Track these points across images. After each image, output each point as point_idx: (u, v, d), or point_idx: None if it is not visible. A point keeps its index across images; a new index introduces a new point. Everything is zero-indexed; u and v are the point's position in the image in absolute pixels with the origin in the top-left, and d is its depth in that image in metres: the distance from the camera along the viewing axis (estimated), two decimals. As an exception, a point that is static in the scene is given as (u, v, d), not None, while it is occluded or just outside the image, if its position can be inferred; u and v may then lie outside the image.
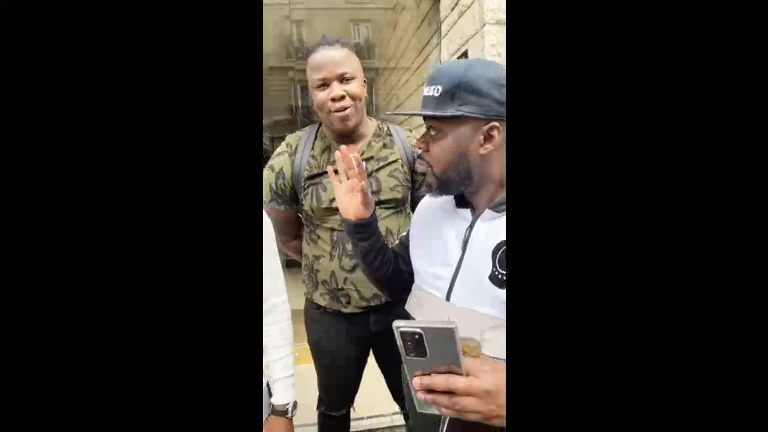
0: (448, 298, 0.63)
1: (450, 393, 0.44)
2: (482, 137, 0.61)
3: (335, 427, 1.26)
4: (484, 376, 0.44)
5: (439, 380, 0.44)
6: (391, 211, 1.08)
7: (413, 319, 0.68)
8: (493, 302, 0.57)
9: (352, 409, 1.28)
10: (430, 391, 0.45)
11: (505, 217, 0.62)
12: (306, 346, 1.21)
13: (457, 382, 0.44)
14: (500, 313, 0.56)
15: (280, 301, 0.91)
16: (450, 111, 0.59)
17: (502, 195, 0.64)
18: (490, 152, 0.61)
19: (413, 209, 1.20)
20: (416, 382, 0.45)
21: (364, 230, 0.75)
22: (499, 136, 0.61)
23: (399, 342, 0.45)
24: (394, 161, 1.08)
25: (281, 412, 0.88)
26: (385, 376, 1.23)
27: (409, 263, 0.79)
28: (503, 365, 0.47)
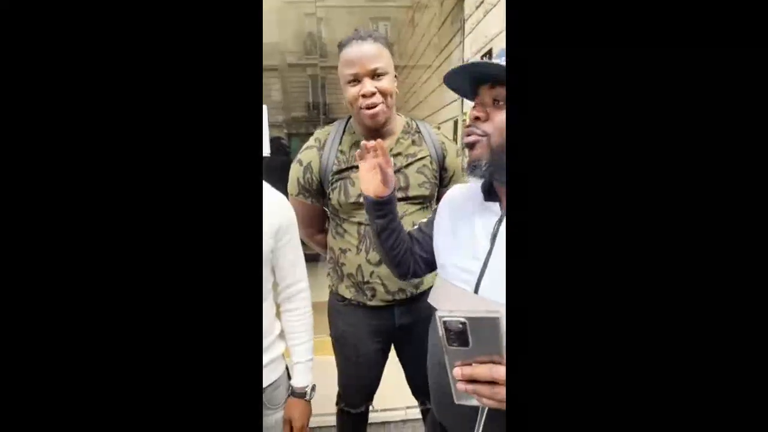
0: (476, 290, 0.63)
1: (491, 383, 0.44)
2: None
3: (354, 424, 1.26)
4: None
5: (482, 370, 0.44)
6: (418, 207, 1.09)
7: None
8: None
9: (371, 406, 1.27)
10: (472, 381, 0.45)
11: None
12: (322, 338, 1.23)
13: (499, 371, 0.44)
14: None
15: (301, 288, 0.94)
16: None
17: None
18: None
19: None
20: (457, 371, 0.45)
21: (382, 208, 0.76)
22: None
23: (441, 332, 0.45)
24: (423, 158, 1.09)
25: (300, 394, 0.91)
26: (406, 372, 1.23)
27: (425, 249, 0.79)
28: None
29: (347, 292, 1.12)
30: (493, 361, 0.45)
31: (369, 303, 1.09)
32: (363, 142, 0.73)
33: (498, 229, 0.65)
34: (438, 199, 1.15)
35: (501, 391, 0.44)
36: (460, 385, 0.45)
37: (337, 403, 1.28)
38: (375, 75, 0.99)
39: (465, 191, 0.77)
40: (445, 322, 0.45)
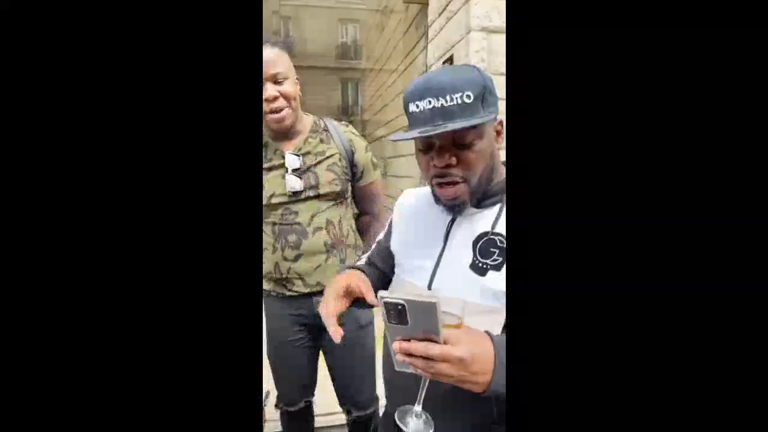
0: (429, 286, 0.65)
1: (426, 358, 0.48)
2: (495, 134, 0.64)
3: (297, 422, 1.26)
4: (460, 345, 0.49)
5: (417, 346, 0.49)
6: (331, 203, 1.13)
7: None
8: (474, 290, 0.60)
9: (313, 402, 1.27)
10: (409, 355, 0.49)
11: (485, 211, 0.65)
12: None
13: (433, 348, 0.48)
14: (481, 300, 0.59)
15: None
16: (486, 115, 0.60)
17: (485, 191, 0.66)
18: (498, 148, 0.65)
19: (355, 201, 1.21)
20: (396, 345, 0.49)
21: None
22: (503, 130, 0.64)
23: (382, 310, 0.49)
24: (332, 155, 1.12)
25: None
26: (333, 375, 1.23)
27: (386, 261, 0.80)
28: (482, 338, 0.52)
29: (267, 285, 1.15)
30: (430, 339, 0.49)
31: (288, 294, 1.13)
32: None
33: (450, 228, 0.67)
34: (353, 195, 1.19)
35: (434, 365, 0.49)
36: (399, 357, 0.50)
37: (276, 405, 1.26)
38: (276, 80, 1.01)
39: (416, 196, 0.79)
40: (386, 303, 0.48)
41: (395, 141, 0.63)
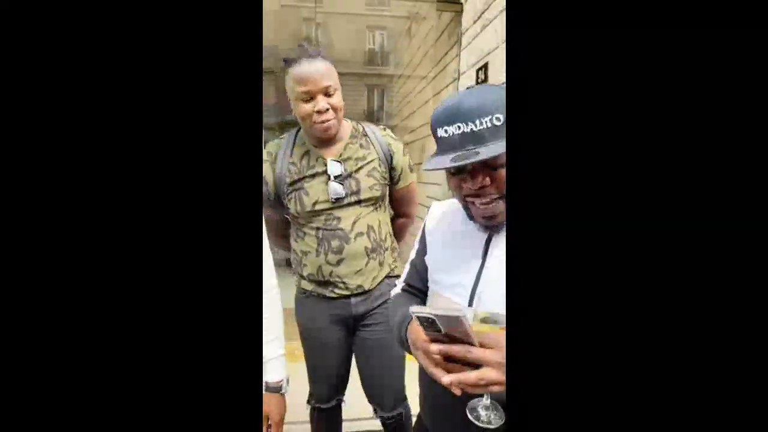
0: (470, 303, 0.65)
1: (471, 365, 0.50)
2: None
3: (326, 420, 1.27)
4: (500, 349, 0.50)
5: (457, 348, 0.50)
6: (371, 208, 1.13)
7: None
8: None
9: (342, 402, 1.28)
10: (450, 361, 0.51)
11: None
12: (293, 344, 1.23)
13: (472, 352, 0.50)
14: None
15: (270, 285, 0.94)
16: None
17: None
18: None
19: (392, 204, 1.23)
20: (434, 348, 0.51)
21: None
22: None
23: (416, 322, 0.54)
24: (371, 161, 1.13)
25: (275, 389, 0.92)
26: (362, 377, 1.24)
27: (424, 280, 0.79)
28: None
29: (309, 286, 1.18)
30: (463, 339, 0.51)
31: (329, 295, 1.14)
32: None
33: (489, 245, 0.66)
34: (389, 198, 1.21)
35: (482, 374, 0.49)
36: (446, 378, 0.51)
37: (308, 402, 1.28)
38: (327, 92, 1.03)
39: (448, 210, 0.78)
40: (418, 317, 0.52)
41: (428, 170, 0.62)
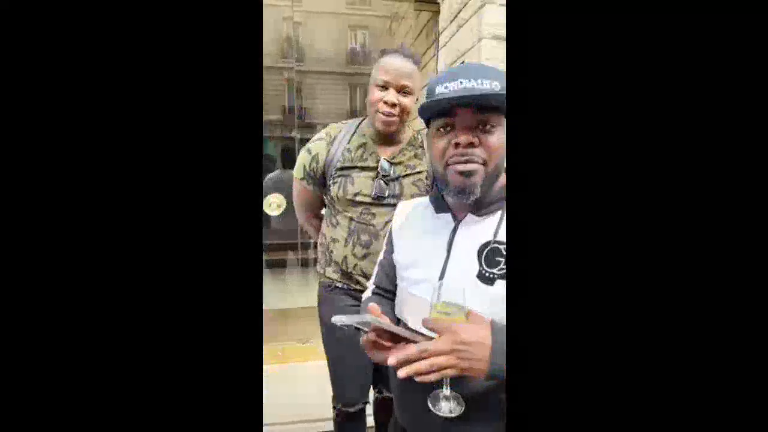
0: (437, 298, 0.65)
1: (421, 359, 0.52)
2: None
3: (352, 424, 1.23)
4: (448, 335, 0.52)
5: (411, 350, 0.52)
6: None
7: (405, 321, 0.71)
8: (483, 300, 0.60)
9: (368, 404, 1.25)
10: (409, 362, 0.53)
11: (487, 219, 0.65)
12: (290, 344, 1.22)
13: (427, 346, 0.52)
14: (489, 308, 0.59)
15: None
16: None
17: (486, 198, 0.66)
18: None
19: None
20: (392, 361, 0.53)
21: None
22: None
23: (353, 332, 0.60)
24: (420, 172, 1.16)
25: None
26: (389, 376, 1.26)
27: (392, 279, 0.79)
28: (479, 325, 0.54)
29: (334, 275, 1.19)
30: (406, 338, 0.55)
31: (354, 286, 1.17)
32: None
33: (453, 238, 0.66)
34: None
35: (434, 361, 0.51)
36: (401, 372, 0.52)
37: (333, 406, 1.25)
38: (402, 90, 1.07)
39: (414, 208, 0.78)
40: (343, 326, 0.59)
41: (423, 113, 0.64)
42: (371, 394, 1.29)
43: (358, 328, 0.56)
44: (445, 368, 0.51)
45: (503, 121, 0.62)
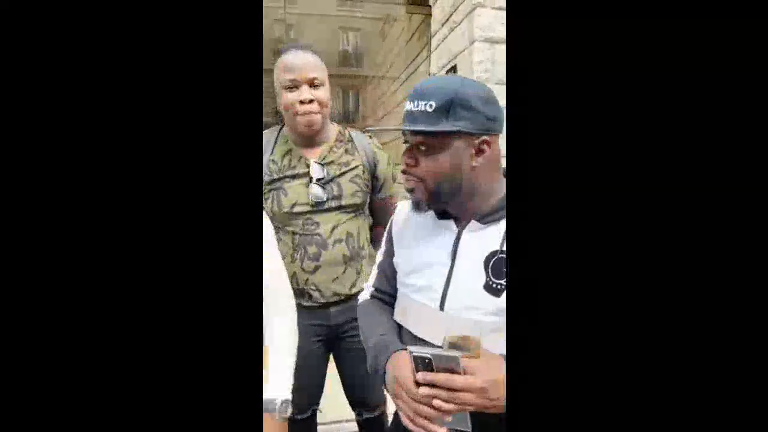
0: (441, 307, 0.65)
1: (450, 390, 0.52)
2: (474, 151, 0.63)
3: (302, 429, 1.24)
4: (480, 375, 0.52)
5: (440, 377, 0.52)
6: (352, 215, 1.12)
7: (404, 328, 0.71)
8: (488, 310, 0.60)
9: (318, 411, 1.26)
10: (432, 386, 0.53)
11: (491, 227, 0.65)
12: None
13: (455, 380, 0.52)
14: (495, 318, 0.59)
15: (291, 302, 0.93)
16: (447, 126, 0.61)
17: (488, 206, 0.67)
18: (481, 165, 0.64)
19: (371, 212, 1.20)
20: (419, 376, 0.53)
21: None
22: (490, 149, 0.64)
23: (411, 363, 0.55)
24: (355, 167, 1.11)
25: (265, 408, 0.87)
26: (344, 380, 1.24)
27: (392, 282, 0.78)
28: (499, 363, 0.54)
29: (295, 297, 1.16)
30: (450, 370, 0.53)
31: (305, 304, 1.11)
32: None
33: (457, 246, 0.67)
34: (369, 205, 1.19)
35: (458, 396, 0.52)
36: (423, 390, 0.53)
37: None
38: (313, 84, 1.02)
39: (414, 211, 0.78)
40: (414, 357, 0.54)
41: (373, 130, 0.69)
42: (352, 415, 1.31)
43: (428, 361, 0.53)
44: (470, 406, 0.52)
45: (445, 141, 0.64)
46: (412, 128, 0.63)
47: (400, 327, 0.72)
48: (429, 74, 2.16)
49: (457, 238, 0.67)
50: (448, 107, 0.61)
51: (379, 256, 0.83)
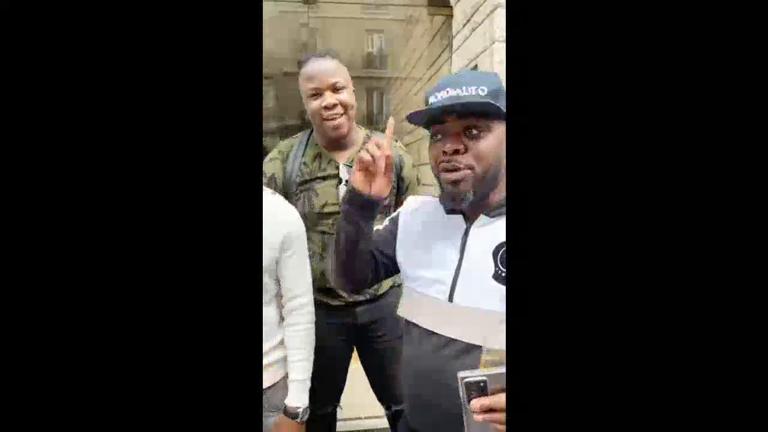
0: (450, 298, 0.66)
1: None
2: (504, 140, 0.65)
3: (321, 424, 1.28)
4: None
5: (497, 399, 0.49)
6: (379, 215, 1.13)
7: (411, 323, 0.72)
8: (497, 299, 0.61)
9: (338, 408, 1.30)
10: (489, 411, 0.49)
11: (499, 220, 0.66)
12: None
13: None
14: (504, 307, 0.60)
15: (303, 302, 0.94)
16: (497, 109, 0.62)
17: (498, 200, 0.68)
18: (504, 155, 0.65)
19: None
20: (474, 404, 0.49)
21: (373, 209, 0.72)
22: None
23: (462, 391, 0.50)
24: None
25: (292, 415, 0.90)
26: (370, 377, 1.26)
27: (388, 250, 0.78)
28: None
29: (314, 294, 1.18)
30: (503, 390, 0.49)
31: (332, 303, 1.14)
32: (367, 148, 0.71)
33: (466, 239, 0.68)
34: (395, 208, 1.20)
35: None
36: (479, 417, 0.49)
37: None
38: (335, 89, 1.05)
39: (424, 204, 0.79)
40: (467, 384, 0.49)
41: (412, 121, 0.66)
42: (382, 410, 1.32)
43: (483, 385, 0.49)
44: None
45: (493, 125, 0.64)
46: (482, 102, 0.60)
47: (407, 323, 0.73)
48: (450, 74, 2.16)
49: (466, 233, 0.68)
50: (497, 94, 0.63)
51: (380, 227, 0.81)
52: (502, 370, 0.48)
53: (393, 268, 0.80)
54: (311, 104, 1.07)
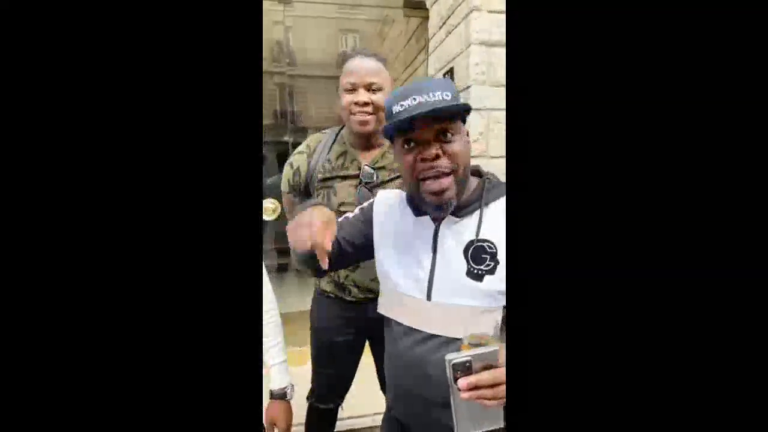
0: (428, 297, 0.68)
1: (492, 386, 0.51)
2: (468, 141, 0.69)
3: (321, 420, 1.29)
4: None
5: (484, 377, 0.51)
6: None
7: (394, 320, 0.74)
8: (474, 295, 0.64)
9: (340, 407, 1.30)
10: (475, 388, 0.51)
11: (465, 220, 0.69)
12: (298, 348, 1.25)
13: (500, 373, 0.51)
14: (480, 303, 0.64)
15: (269, 295, 1.00)
16: (462, 111, 0.65)
17: (463, 200, 0.69)
18: None
19: None
20: (462, 383, 0.51)
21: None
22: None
23: (449, 373, 0.52)
24: None
25: (280, 395, 0.93)
26: (378, 366, 1.27)
27: (349, 242, 0.78)
28: None
29: (327, 287, 1.19)
30: (489, 366, 0.52)
31: (346, 298, 1.17)
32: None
33: (436, 240, 0.70)
34: None
35: (502, 389, 0.51)
36: (465, 395, 0.51)
37: (308, 398, 1.30)
38: (371, 88, 1.07)
39: (395, 202, 0.79)
40: (454, 365, 0.52)
41: (385, 135, 0.66)
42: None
43: (468, 365, 0.51)
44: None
45: (461, 127, 0.66)
46: (455, 106, 0.61)
47: (387, 319, 0.75)
48: (426, 76, 2.18)
49: (436, 233, 0.70)
50: (458, 97, 0.65)
51: (354, 214, 0.81)
52: (486, 349, 0.51)
53: (358, 256, 0.80)
54: (345, 98, 1.09)
